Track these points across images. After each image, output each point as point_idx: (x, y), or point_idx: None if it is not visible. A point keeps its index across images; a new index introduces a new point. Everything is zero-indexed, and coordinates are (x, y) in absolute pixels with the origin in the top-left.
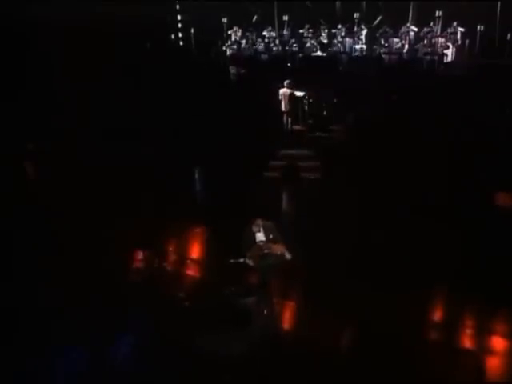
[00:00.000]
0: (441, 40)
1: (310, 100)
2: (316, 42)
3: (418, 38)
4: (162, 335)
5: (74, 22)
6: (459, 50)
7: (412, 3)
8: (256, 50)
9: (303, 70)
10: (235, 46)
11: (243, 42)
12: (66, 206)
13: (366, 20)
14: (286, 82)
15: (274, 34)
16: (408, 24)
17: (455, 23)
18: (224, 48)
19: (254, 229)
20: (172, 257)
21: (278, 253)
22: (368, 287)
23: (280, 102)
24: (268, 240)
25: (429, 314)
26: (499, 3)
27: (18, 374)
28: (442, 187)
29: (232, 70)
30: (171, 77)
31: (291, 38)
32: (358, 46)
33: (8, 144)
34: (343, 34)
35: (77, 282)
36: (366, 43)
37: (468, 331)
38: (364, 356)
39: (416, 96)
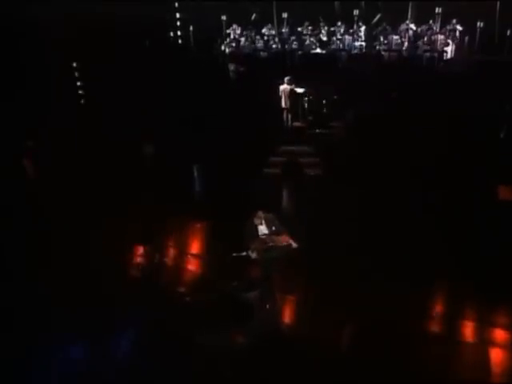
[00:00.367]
0: (440, 37)
1: (310, 97)
2: (315, 40)
3: (418, 35)
4: (163, 331)
5: (73, 22)
6: (459, 47)
7: (411, 2)
8: (255, 47)
9: (303, 68)
10: (234, 44)
11: (242, 39)
12: (66, 202)
13: (365, 18)
14: (286, 79)
15: (273, 32)
16: (407, 21)
17: (454, 20)
18: (223, 46)
19: (256, 221)
20: (174, 252)
21: (283, 244)
22: (371, 281)
23: (280, 98)
24: (271, 232)
25: (431, 307)
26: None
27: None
28: (441, 183)
29: (231, 67)
30: (172, 74)
31: (290, 35)
32: (357, 44)
33: (8, 143)
34: (342, 31)
35: (77, 278)
36: (365, 40)
37: (472, 325)
38: (366, 351)
39: (415, 93)
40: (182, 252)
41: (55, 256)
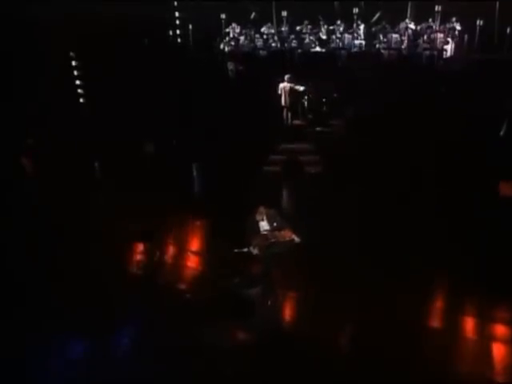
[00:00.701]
0: (440, 35)
1: (310, 95)
2: (315, 38)
3: (417, 33)
4: (163, 328)
5: (73, 22)
6: (458, 46)
7: (410, 1)
8: (255, 46)
9: (302, 66)
10: (233, 43)
11: (242, 38)
12: (65, 202)
13: (365, 16)
14: (286, 77)
15: (272, 31)
16: (407, 20)
17: (454, 19)
18: (222, 45)
19: (258, 217)
20: (175, 249)
21: (286, 239)
22: (372, 277)
23: (280, 96)
24: (273, 228)
25: (433, 304)
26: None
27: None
28: (440, 181)
29: (230, 66)
30: (171, 73)
31: (290, 34)
32: (357, 42)
33: (7, 143)
34: (341, 29)
35: (77, 277)
36: (364, 39)
37: (474, 321)
38: (367, 349)
39: (415, 91)
40: (184, 249)
41: (55, 255)
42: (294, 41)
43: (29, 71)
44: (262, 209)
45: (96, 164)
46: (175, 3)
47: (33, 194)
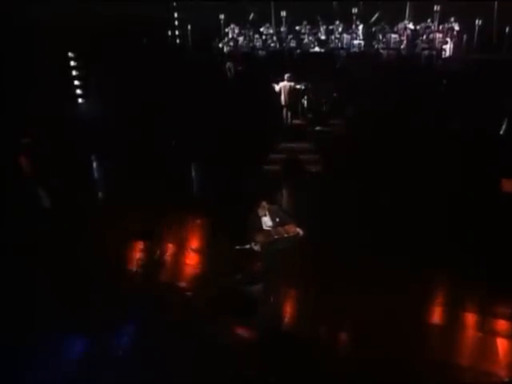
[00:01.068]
0: (439, 35)
1: (310, 95)
2: (314, 39)
3: (416, 33)
4: (165, 325)
5: (73, 22)
6: (457, 46)
7: (409, 1)
8: (254, 46)
9: (301, 66)
10: (232, 43)
11: (241, 38)
12: (65, 201)
13: (364, 16)
14: (286, 76)
15: (271, 31)
16: (406, 20)
17: (452, 19)
18: (221, 45)
19: (260, 213)
20: (177, 246)
21: (290, 234)
22: (373, 275)
23: (279, 95)
24: (275, 224)
25: (435, 300)
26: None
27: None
28: (440, 179)
29: (229, 66)
30: (170, 73)
31: (289, 34)
32: (355, 42)
33: (6, 142)
34: (340, 30)
35: (77, 276)
36: (363, 39)
37: (476, 316)
38: (370, 345)
39: (415, 90)
40: (185, 246)
41: (54, 254)
42: (293, 41)
43: (28, 71)
44: (264, 204)
45: (95, 164)
46: (174, 3)
47: (31, 194)
